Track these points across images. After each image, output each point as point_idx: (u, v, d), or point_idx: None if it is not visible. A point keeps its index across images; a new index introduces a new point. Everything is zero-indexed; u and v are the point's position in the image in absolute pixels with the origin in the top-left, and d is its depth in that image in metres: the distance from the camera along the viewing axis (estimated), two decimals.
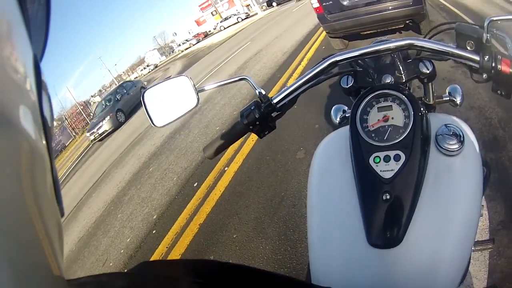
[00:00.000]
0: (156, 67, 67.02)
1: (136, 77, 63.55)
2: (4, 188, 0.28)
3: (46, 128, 0.39)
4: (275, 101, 1.22)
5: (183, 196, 4.89)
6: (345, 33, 7.90)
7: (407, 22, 7.35)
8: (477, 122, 3.69)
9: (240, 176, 4.50)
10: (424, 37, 1.33)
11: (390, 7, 7.00)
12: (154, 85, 1.27)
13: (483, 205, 1.49)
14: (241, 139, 1.30)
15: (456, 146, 0.95)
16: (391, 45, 1.09)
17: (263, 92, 1.23)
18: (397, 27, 7.71)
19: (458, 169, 0.95)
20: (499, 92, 1.05)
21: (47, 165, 0.37)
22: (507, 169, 3.00)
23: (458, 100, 1.25)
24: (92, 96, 63.55)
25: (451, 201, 0.90)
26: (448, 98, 1.27)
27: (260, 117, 1.20)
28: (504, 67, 1.00)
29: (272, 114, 1.24)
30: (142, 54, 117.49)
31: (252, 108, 1.20)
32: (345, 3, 7.26)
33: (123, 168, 8.52)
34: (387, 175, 0.92)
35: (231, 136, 1.26)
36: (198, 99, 1.24)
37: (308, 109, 4.97)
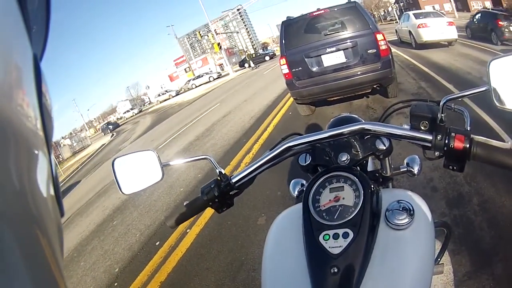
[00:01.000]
0: (140, 111, 66.28)
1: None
2: (4, 188, 0.29)
3: (46, 128, 0.40)
4: (233, 180, 1.28)
5: (145, 253, 4.91)
6: (312, 100, 8.06)
7: (375, 86, 7.40)
8: (441, 181, 3.89)
9: (201, 239, 4.59)
10: (380, 118, 1.44)
11: (358, 72, 7.23)
12: (123, 155, 1.35)
13: (442, 263, 1.56)
14: None
15: (406, 220, 0.99)
16: (344, 130, 1.16)
17: (223, 172, 1.30)
18: (364, 92, 7.83)
19: (407, 241, 0.98)
20: (450, 167, 1.09)
21: (47, 165, 0.38)
22: (473, 222, 3.19)
23: (415, 170, 1.29)
24: (62, 138, 62.02)
25: (399, 271, 0.94)
26: (406, 169, 1.31)
27: (219, 194, 1.26)
28: (457, 144, 1.04)
29: (231, 192, 1.30)
30: (114, 103, 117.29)
31: (212, 186, 1.27)
32: (314, 69, 7.51)
33: (88, 217, 8.42)
34: (336, 251, 0.94)
35: (191, 209, 1.32)
36: (163, 173, 1.32)
37: (270, 176, 5.06)
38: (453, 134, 1.05)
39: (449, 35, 16.37)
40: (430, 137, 1.08)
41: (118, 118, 73.57)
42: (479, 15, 18.90)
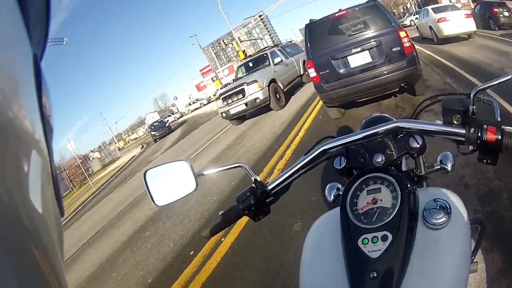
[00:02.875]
0: (182, 115, 66.59)
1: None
2: (5, 189, 0.29)
3: (46, 129, 0.40)
4: (269, 187, 1.26)
5: (179, 263, 4.86)
6: (341, 102, 8.02)
7: (402, 85, 7.50)
8: (473, 178, 3.82)
9: (236, 247, 4.51)
10: (412, 116, 1.45)
11: (385, 72, 7.16)
12: (155, 166, 1.34)
13: (476, 261, 1.53)
14: None
15: (443, 219, 0.97)
16: (379, 130, 1.15)
17: (258, 179, 1.27)
18: (392, 91, 7.78)
19: (445, 241, 0.97)
20: (485, 161, 1.08)
21: (47, 166, 0.39)
22: (504, 218, 3.08)
23: (449, 167, 1.26)
24: (91, 151, 62.47)
25: (438, 272, 0.93)
26: (439, 167, 1.27)
27: (255, 203, 1.23)
28: (489, 136, 1.03)
29: (267, 200, 1.27)
30: (142, 115, 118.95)
31: (247, 194, 1.24)
32: (341, 71, 7.48)
33: (120, 228, 8.42)
34: (375, 254, 0.94)
35: (227, 219, 1.30)
36: (197, 183, 1.29)
37: (304, 181, 5.01)
38: (485, 126, 1.04)
39: (468, 28, 16.37)
40: (463, 131, 1.07)
41: (169, 115, 71.92)
42: (479, 5, 20.29)
